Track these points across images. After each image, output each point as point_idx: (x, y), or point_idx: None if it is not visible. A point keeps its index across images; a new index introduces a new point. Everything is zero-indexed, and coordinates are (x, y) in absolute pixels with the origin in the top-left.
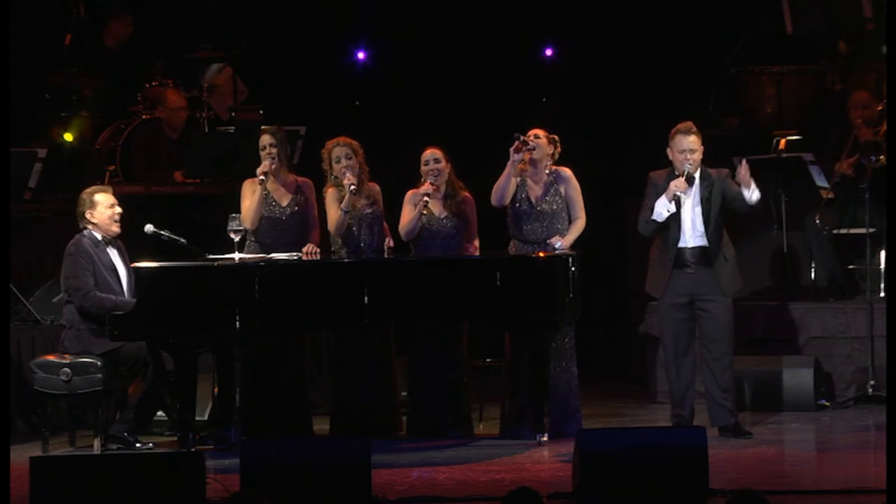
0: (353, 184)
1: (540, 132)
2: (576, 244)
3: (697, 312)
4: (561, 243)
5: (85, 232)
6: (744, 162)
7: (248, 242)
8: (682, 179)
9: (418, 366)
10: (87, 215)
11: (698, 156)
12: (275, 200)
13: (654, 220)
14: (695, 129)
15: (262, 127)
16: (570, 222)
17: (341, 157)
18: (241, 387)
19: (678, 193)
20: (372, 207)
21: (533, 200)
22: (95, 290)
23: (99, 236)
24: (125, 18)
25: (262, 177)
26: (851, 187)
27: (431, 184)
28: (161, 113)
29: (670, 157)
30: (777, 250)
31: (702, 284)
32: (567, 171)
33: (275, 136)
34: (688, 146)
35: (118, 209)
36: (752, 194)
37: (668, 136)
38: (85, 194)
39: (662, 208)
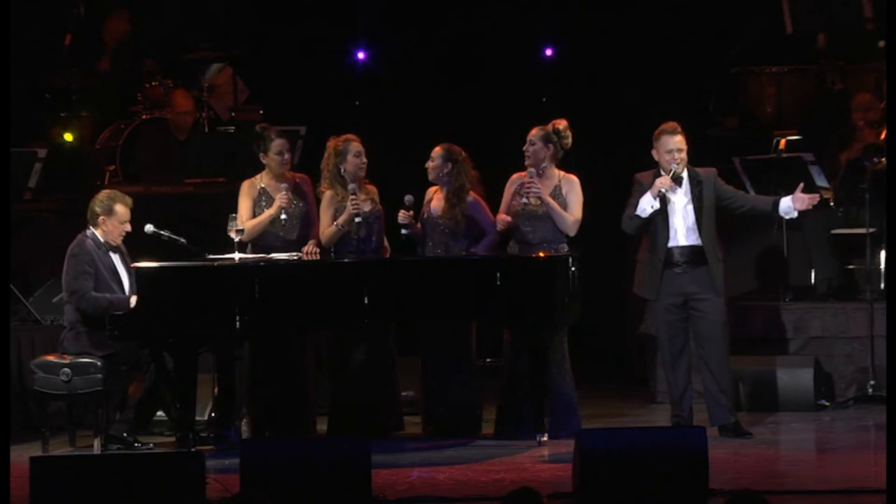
0: (357, 212)
1: (534, 134)
2: (576, 243)
3: (691, 312)
4: (526, 200)
5: (88, 232)
6: (812, 195)
7: (248, 247)
8: (667, 177)
9: (428, 365)
10: (100, 220)
11: (685, 155)
12: (274, 200)
13: (638, 216)
14: (679, 128)
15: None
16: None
17: (361, 153)
18: (242, 387)
19: (663, 190)
20: (371, 206)
21: (532, 202)
22: (91, 292)
23: (102, 239)
24: (122, 14)
25: (283, 213)
26: (852, 188)
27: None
28: (169, 115)
29: (655, 158)
30: (777, 250)
31: (694, 284)
32: (574, 178)
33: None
34: (675, 146)
35: (128, 226)
36: (790, 214)
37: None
38: (106, 197)
39: (647, 204)
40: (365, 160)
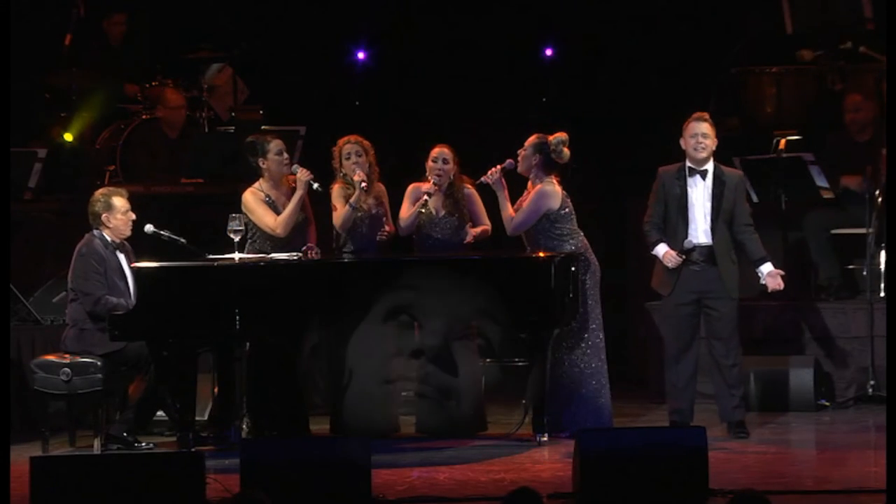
0: (363, 180)
1: (529, 140)
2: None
3: (704, 311)
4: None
5: (95, 233)
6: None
7: (247, 249)
8: (676, 257)
9: (427, 365)
10: (104, 218)
11: (710, 143)
12: (280, 208)
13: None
14: (708, 117)
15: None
16: (553, 233)
17: (351, 153)
18: (242, 387)
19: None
20: (378, 208)
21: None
22: (107, 295)
23: (109, 239)
24: (115, 17)
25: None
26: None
27: (435, 183)
28: (160, 112)
29: (683, 147)
30: (777, 250)
31: (710, 283)
32: (540, 188)
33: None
34: (700, 131)
35: (132, 214)
36: (761, 278)
37: (669, 135)
38: (101, 195)
39: (665, 261)
40: (355, 160)
